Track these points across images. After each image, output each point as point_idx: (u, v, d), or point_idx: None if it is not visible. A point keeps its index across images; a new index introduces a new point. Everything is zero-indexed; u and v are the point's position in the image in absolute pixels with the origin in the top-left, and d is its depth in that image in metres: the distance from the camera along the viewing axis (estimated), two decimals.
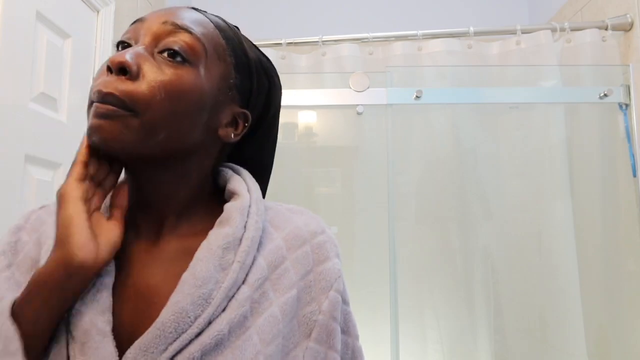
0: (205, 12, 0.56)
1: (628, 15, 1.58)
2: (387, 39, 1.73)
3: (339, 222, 1.62)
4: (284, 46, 1.69)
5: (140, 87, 0.46)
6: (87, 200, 0.47)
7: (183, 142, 0.50)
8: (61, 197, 0.46)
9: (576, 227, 1.51)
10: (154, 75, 0.47)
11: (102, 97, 0.45)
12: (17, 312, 0.45)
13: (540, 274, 1.53)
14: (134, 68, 0.46)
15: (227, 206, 0.52)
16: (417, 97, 1.58)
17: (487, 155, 1.63)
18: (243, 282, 0.48)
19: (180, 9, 0.53)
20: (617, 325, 1.48)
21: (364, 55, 1.73)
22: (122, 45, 0.51)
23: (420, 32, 1.67)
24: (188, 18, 0.51)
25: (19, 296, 0.45)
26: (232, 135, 0.55)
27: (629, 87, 1.54)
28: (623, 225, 1.52)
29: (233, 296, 0.48)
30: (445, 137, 1.63)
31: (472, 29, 1.65)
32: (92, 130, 0.46)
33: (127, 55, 0.46)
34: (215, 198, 0.56)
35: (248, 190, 0.54)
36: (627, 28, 1.59)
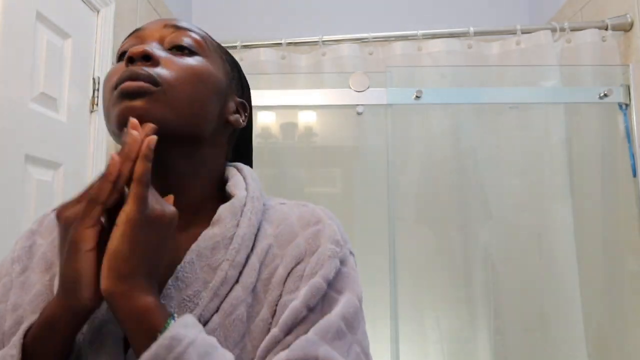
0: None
1: (628, 15, 1.58)
2: (387, 39, 1.73)
3: None
4: (284, 46, 1.68)
5: (164, 69, 0.49)
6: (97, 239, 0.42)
7: (203, 125, 0.52)
8: (73, 246, 0.41)
9: (576, 227, 1.51)
10: (173, 62, 0.50)
11: (133, 75, 0.47)
12: (29, 344, 0.44)
13: (540, 274, 1.53)
14: (156, 54, 0.49)
15: (221, 207, 0.52)
16: (417, 97, 1.58)
17: (487, 155, 1.63)
18: (237, 282, 0.48)
19: (175, 19, 0.57)
20: (617, 325, 1.48)
21: (364, 55, 1.73)
22: (124, 55, 0.52)
23: (420, 32, 1.67)
24: (185, 23, 0.56)
25: (32, 328, 0.44)
26: (241, 121, 0.59)
27: (629, 87, 1.53)
28: (623, 226, 1.51)
29: (225, 297, 0.47)
30: (445, 137, 1.63)
31: (472, 29, 1.65)
32: (124, 112, 0.46)
33: (147, 46, 0.49)
34: (224, 199, 0.56)
35: (246, 189, 0.55)
36: (627, 28, 1.59)
